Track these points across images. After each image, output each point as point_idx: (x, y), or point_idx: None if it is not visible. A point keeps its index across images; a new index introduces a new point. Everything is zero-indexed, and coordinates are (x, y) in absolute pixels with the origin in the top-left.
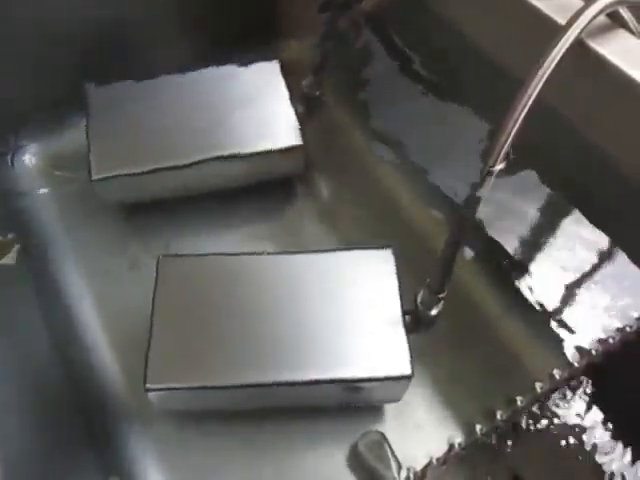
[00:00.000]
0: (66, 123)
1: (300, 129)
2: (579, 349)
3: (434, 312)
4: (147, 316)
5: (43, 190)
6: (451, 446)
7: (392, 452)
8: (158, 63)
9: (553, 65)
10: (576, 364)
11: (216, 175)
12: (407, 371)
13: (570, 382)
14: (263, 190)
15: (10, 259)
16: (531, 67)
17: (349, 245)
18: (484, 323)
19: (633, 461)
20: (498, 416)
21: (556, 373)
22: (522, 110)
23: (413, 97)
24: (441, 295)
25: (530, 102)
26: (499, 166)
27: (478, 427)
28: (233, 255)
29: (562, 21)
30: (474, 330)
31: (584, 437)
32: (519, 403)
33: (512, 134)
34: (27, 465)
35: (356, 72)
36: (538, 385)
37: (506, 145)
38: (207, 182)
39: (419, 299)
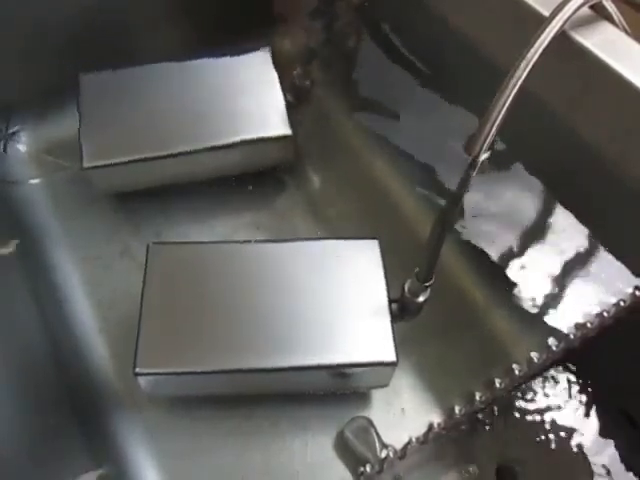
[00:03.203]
0: (58, 110)
1: (290, 119)
2: (558, 333)
3: (421, 299)
4: (137, 302)
5: (35, 177)
6: (430, 426)
7: (378, 437)
8: (149, 52)
9: (537, 56)
10: (554, 348)
11: (207, 164)
12: (392, 357)
13: (549, 366)
14: (253, 179)
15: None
16: (515, 58)
17: (337, 234)
18: (469, 310)
19: (604, 437)
20: (477, 398)
21: (534, 357)
22: (506, 100)
23: (403, 88)
24: (428, 283)
25: (514, 92)
26: (483, 156)
27: (457, 408)
28: (222, 243)
29: (546, 12)
30: (459, 317)
31: (564, 422)
32: (497, 385)
33: (497, 124)
34: (14, 449)
35: (347, 63)
36: (516, 367)
37: (490, 135)
38: (198, 171)
39: (406, 288)
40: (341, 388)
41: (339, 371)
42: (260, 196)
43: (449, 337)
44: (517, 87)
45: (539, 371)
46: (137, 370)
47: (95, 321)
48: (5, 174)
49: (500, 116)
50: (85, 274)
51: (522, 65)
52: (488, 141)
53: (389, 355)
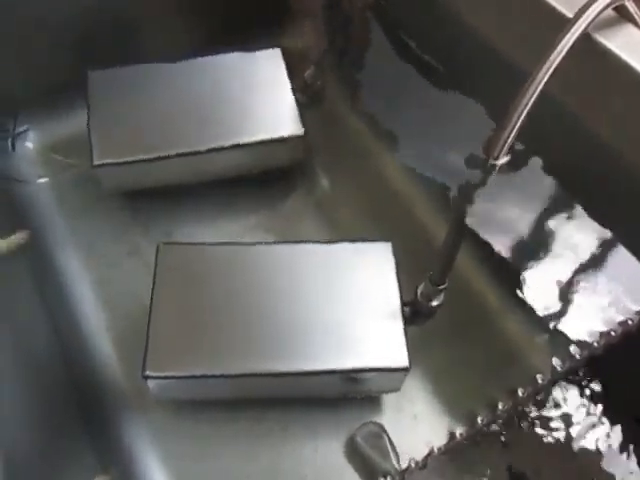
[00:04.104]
0: (67, 108)
1: (301, 118)
2: (580, 341)
3: (434, 303)
4: (146, 303)
5: (43, 177)
6: (452, 436)
7: (390, 443)
8: (160, 49)
9: (560, 58)
10: (577, 356)
11: (216, 164)
12: (404, 363)
13: (571, 374)
14: (263, 179)
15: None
16: (538, 60)
17: (348, 235)
18: (484, 314)
19: (620, 446)
20: (500, 407)
21: (557, 365)
22: (528, 102)
23: (416, 88)
24: (442, 287)
25: (536, 94)
26: (503, 159)
27: (479, 418)
28: (233, 244)
29: (568, 13)
30: (474, 321)
31: (579, 430)
32: (520, 394)
33: (517, 126)
34: (22, 450)
35: (358, 63)
36: (539, 377)
37: (511, 137)
38: (208, 170)
39: (419, 291)
40: (352, 393)
41: (350, 376)
42: (269, 197)
43: (462, 342)
44: (539, 89)
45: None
46: (146, 373)
47: (102, 321)
48: (13, 172)
49: (521, 118)
50: (92, 273)
51: (545, 67)
52: (508, 144)
53: (401, 360)
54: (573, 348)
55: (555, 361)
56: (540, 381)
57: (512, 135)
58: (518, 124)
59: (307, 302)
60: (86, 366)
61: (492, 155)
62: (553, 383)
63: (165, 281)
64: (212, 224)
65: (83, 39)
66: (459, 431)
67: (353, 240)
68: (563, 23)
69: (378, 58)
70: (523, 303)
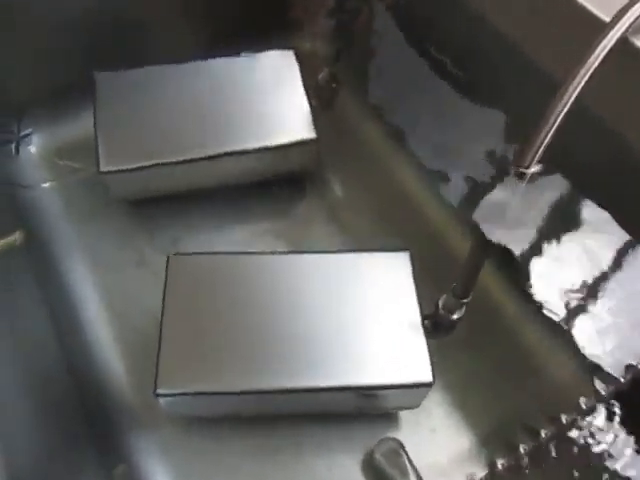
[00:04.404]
0: (72, 111)
1: (314, 122)
2: (618, 363)
3: (456, 316)
4: (152, 312)
5: (48, 181)
6: (492, 466)
7: (410, 461)
8: (169, 51)
9: (596, 64)
10: (622, 379)
11: (227, 170)
12: (428, 378)
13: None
14: (273, 185)
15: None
16: (568, 64)
17: (361, 244)
18: (505, 329)
19: None
20: (543, 434)
21: (602, 389)
22: (562, 109)
23: (433, 92)
24: (465, 300)
25: (570, 101)
26: (533, 169)
27: (522, 447)
28: (245, 254)
29: (604, 17)
30: (494, 333)
31: (610, 457)
32: (564, 421)
33: (550, 134)
34: (26, 465)
35: (374, 65)
36: (583, 401)
37: (543, 146)
38: (217, 176)
39: (441, 303)
40: (369, 409)
41: (369, 393)
42: (279, 203)
43: (482, 355)
44: (574, 96)
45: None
46: (158, 391)
47: (110, 332)
48: (17, 177)
49: (555, 126)
50: (99, 283)
51: (581, 72)
52: (540, 152)
53: (424, 375)
54: (611, 369)
55: (598, 385)
56: (584, 406)
57: (545, 143)
58: (552, 132)
59: (323, 315)
60: (93, 379)
61: (523, 164)
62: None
63: (176, 294)
64: (220, 231)
65: (87, 40)
66: (501, 461)
67: (369, 249)
68: (598, 26)
69: (394, 61)
70: (546, 322)
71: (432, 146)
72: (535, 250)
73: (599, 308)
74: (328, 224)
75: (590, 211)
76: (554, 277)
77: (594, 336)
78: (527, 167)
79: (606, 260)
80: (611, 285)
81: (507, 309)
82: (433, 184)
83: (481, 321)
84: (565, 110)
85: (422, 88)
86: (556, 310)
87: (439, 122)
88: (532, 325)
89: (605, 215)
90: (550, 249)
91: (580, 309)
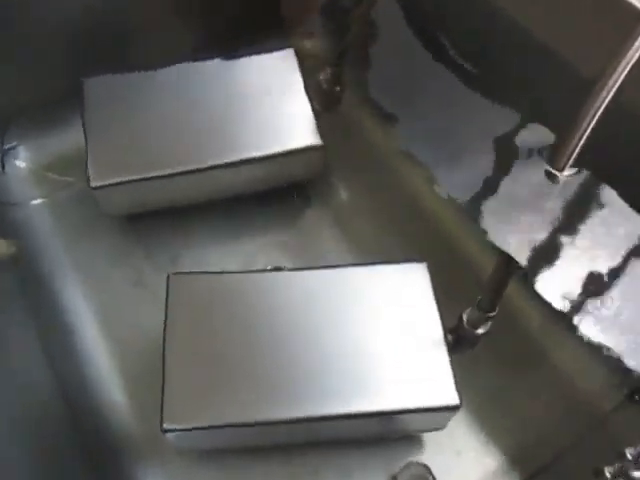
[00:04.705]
0: (61, 121)
1: (318, 127)
2: None
3: (481, 331)
4: (155, 337)
5: (37, 197)
6: None
7: None
8: (160, 53)
9: (636, 57)
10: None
11: (227, 181)
12: (454, 401)
13: None
14: (276, 196)
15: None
16: (601, 59)
17: (373, 255)
18: (531, 342)
19: None
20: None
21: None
22: (599, 106)
23: (445, 91)
24: (491, 314)
25: (608, 99)
26: (567, 172)
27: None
28: (252, 272)
29: None
30: (519, 349)
31: None
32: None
33: (586, 135)
34: None
35: (381, 64)
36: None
37: (579, 146)
38: (217, 188)
39: (465, 317)
40: (390, 434)
41: (392, 418)
42: (284, 215)
43: (508, 371)
44: (612, 92)
45: None
46: (165, 427)
47: (108, 359)
48: (3, 195)
49: (591, 125)
50: (94, 305)
51: (620, 67)
52: (576, 153)
53: (450, 398)
54: None
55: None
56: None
57: (580, 143)
58: (588, 132)
59: (337, 335)
60: (92, 412)
61: (558, 166)
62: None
63: (178, 318)
64: (222, 246)
65: (77, 46)
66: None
67: (383, 262)
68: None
69: (403, 59)
70: (575, 329)
71: (447, 150)
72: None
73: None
74: (336, 235)
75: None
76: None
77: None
78: (562, 169)
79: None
80: None
81: (533, 321)
82: (447, 190)
83: (505, 334)
84: (602, 107)
85: (435, 88)
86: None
87: (456, 123)
88: (560, 338)
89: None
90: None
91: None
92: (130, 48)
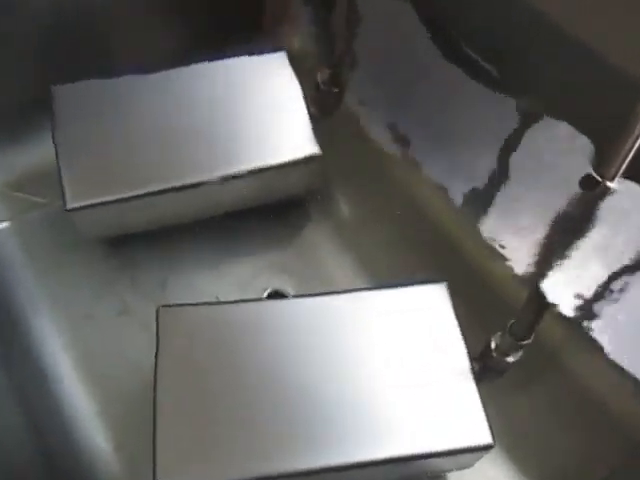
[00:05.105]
0: (31, 134)
1: (316, 135)
2: None
3: (511, 359)
4: (144, 375)
5: (6, 220)
6: None
7: None
8: (138, 58)
9: None
10: None
11: (218, 197)
12: (486, 440)
13: None
14: (272, 212)
15: None
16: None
17: (382, 276)
18: (565, 369)
19: None
20: None
21: None
22: None
23: (457, 93)
24: (525, 342)
25: None
26: (615, 183)
27: None
28: (251, 302)
29: None
30: (552, 376)
31: None
32: None
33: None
34: None
35: (383, 65)
36: None
37: (630, 156)
38: (207, 206)
39: (494, 343)
40: (415, 477)
41: (415, 463)
42: (281, 232)
43: (540, 401)
44: None
45: None
46: None
47: (89, 401)
48: None
49: None
50: (73, 341)
51: None
52: (626, 163)
53: (483, 437)
54: None
55: None
56: None
57: (633, 150)
58: None
59: (350, 371)
60: (74, 463)
61: (608, 176)
62: None
63: (170, 356)
64: (214, 269)
65: (49, 49)
66: None
67: (397, 284)
68: None
69: (410, 58)
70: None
71: (458, 157)
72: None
73: None
74: (340, 254)
75: None
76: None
77: None
78: (612, 179)
79: None
80: None
81: (567, 345)
82: (459, 201)
83: (535, 359)
84: None
85: (446, 91)
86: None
87: (468, 128)
88: (598, 364)
89: None
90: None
91: None
92: (105, 51)
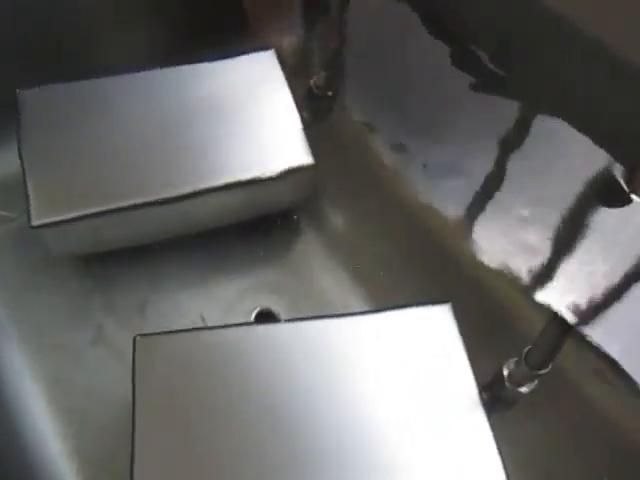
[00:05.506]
0: None
1: (309, 142)
2: None
3: (525, 390)
4: (122, 410)
5: None
6: None
7: None
8: (114, 60)
9: None
10: None
11: (202, 212)
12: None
13: None
14: (261, 227)
15: None
16: None
17: (380, 296)
18: (582, 398)
19: None
20: None
21: None
22: None
23: (459, 97)
24: (542, 371)
25: None
26: None
27: None
28: (238, 326)
29: None
30: (567, 406)
31: None
32: None
33: None
34: None
35: (380, 66)
36: None
37: None
38: (189, 221)
39: (506, 372)
40: None
41: None
42: (271, 249)
43: (555, 433)
44: None
45: None
46: None
47: (60, 440)
48: None
49: None
50: (43, 372)
51: None
52: None
53: (496, 476)
54: None
55: None
56: None
57: None
58: None
59: (348, 403)
60: None
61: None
62: None
63: (149, 391)
64: (198, 289)
65: (13, 52)
66: None
67: (398, 306)
68: None
69: (410, 56)
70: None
71: (461, 167)
72: None
73: None
74: (332, 271)
75: None
76: None
77: None
78: None
79: None
80: None
81: (584, 369)
82: (461, 214)
83: (550, 384)
84: None
85: (449, 92)
86: None
87: (470, 135)
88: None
89: None
90: None
91: None
92: (77, 53)
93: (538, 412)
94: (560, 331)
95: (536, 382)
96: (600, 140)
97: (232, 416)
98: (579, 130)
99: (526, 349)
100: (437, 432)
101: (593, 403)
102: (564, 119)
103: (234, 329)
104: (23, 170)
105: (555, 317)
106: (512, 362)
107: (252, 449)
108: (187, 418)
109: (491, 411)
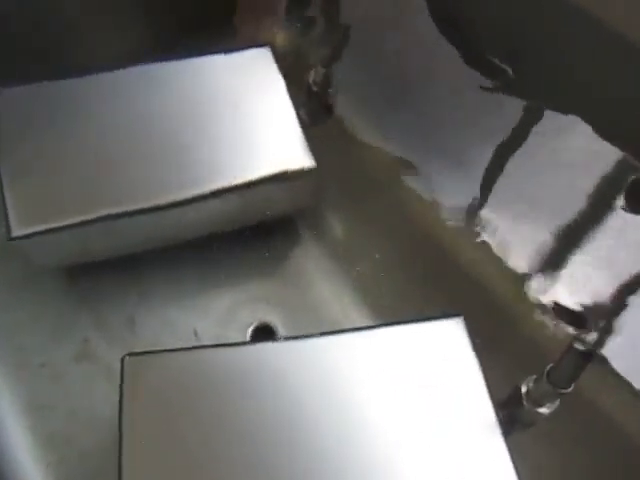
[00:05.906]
0: None
1: (309, 143)
2: None
3: (545, 410)
4: (106, 436)
5: None
6: None
7: None
8: (98, 58)
9: None
10: None
11: (194, 219)
12: None
13: None
14: (257, 235)
15: None
16: None
17: (385, 309)
18: (603, 418)
19: None
20: None
21: None
22: None
23: (466, 98)
24: (565, 390)
25: None
26: None
27: None
28: (235, 345)
29: None
30: (588, 427)
31: None
32: None
33: None
34: None
35: (385, 63)
36: None
37: None
38: (180, 229)
39: (524, 390)
40: None
41: None
42: (268, 257)
43: (575, 456)
44: None
45: None
46: None
47: (42, 465)
48: None
49: None
50: (25, 392)
51: None
52: None
53: None
54: None
55: None
56: None
57: None
58: None
59: (355, 425)
60: None
61: None
62: None
63: (138, 415)
64: (191, 302)
65: None
66: None
67: (406, 321)
68: None
69: (414, 55)
70: None
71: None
72: None
73: None
74: (333, 282)
75: None
76: None
77: None
78: None
79: None
80: None
81: (607, 389)
82: (467, 219)
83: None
84: None
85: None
86: None
87: (478, 138)
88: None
89: None
90: None
91: None
92: (59, 50)
93: (556, 430)
94: (581, 358)
95: (557, 403)
96: (616, 141)
97: (228, 443)
98: (596, 132)
99: (548, 367)
100: (452, 455)
101: (616, 423)
102: (581, 118)
103: (230, 348)
104: (0, 178)
105: (568, 354)
106: (531, 380)
107: (248, 474)
108: (178, 444)
109: (507, 432)
